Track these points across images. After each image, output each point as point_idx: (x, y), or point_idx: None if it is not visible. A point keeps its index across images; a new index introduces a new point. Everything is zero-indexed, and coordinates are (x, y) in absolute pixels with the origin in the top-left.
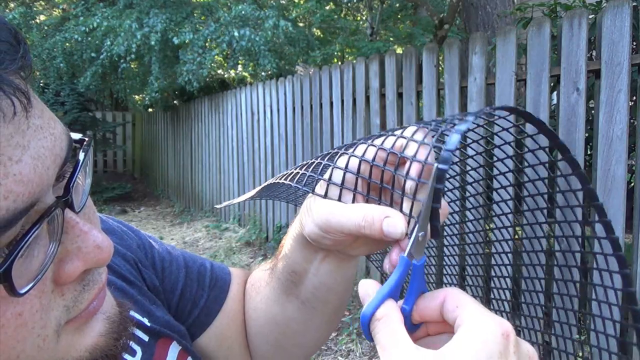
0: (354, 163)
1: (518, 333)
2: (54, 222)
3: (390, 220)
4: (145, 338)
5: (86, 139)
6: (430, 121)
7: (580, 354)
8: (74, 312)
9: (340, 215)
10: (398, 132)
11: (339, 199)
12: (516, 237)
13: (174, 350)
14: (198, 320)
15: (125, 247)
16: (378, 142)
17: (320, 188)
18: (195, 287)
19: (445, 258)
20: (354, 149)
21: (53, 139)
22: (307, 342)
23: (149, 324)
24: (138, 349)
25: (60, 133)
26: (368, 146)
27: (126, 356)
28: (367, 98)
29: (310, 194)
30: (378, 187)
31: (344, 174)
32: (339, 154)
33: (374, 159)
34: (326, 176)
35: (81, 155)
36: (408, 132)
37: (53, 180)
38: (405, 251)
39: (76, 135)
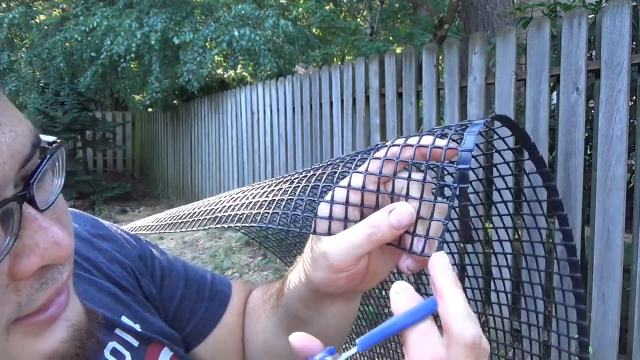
0: (352, 193)
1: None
2: (11, 216)
3: (395, 211)
4: (136, 343)
5: (58, 141)
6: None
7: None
8: (26, 310)
9: (347, 239)
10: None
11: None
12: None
13: (165, 356)
14: (196, 331)
15: (124, 256)
16: (376, 163)
17: (321, 227)
18: (194, 298)
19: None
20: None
21: (13, 135)
22: None
23: (140, 330)
24: (127, 353)
25: (23, 131)
26: (371, 161)
27: None
28: (367, 98)
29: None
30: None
31: (346, 208)
32: (320, 187)
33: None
34: (326, 212)
35: (49, 155)
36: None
37: (12, 175)
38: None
39: (50, 138)
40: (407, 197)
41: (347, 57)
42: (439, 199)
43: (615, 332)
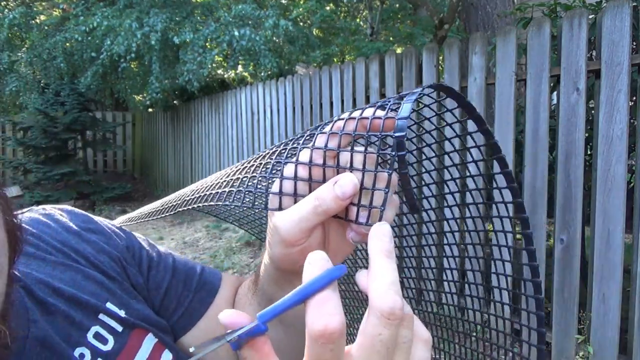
0: (300, 168)
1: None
2: None
3: (339, 182)
4: (119, 328)
5: None
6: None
7: (581, 353)
8: None
9: (295, 212)
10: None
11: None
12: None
13: (149, 341)
14: (182, 320)
15: (111, 247)
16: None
17: (272, 203)
18: (181, 288)
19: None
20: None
21: None
22: (296, 357)
23: (124, 315)
24: (110, 337)
25: None
26: (317, 136)
27: (97, 344)
28: (367, 98)
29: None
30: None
31: (295, 183)
32: (272, 163)
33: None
34: (276, 188)
35: None
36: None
37: None
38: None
39: None
40: (351, 168)
41: (347, 57)
42: (380, 168)
43: (615, 332)
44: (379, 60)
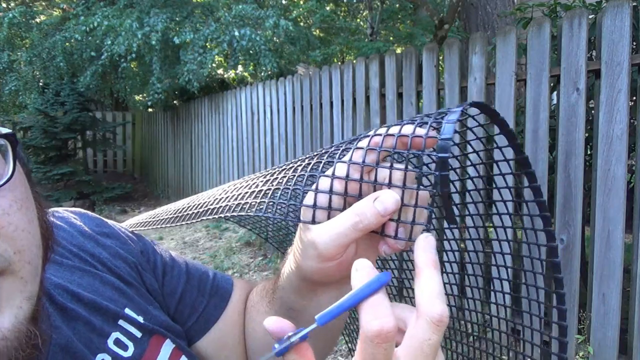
0: (336, 182)
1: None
2: None
3: (380, 198)
4: (138, 334)
5: (10, 131)
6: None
7: (581, 353)
8: None
9: (334, 227)
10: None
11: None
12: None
13: (167, 347)
14: (197, 325)
15: (127, 252)
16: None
17: (305, 215)
18: (195, 293)
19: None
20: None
21: None
22: None
23: (142, 322)
24: (130, 344)
25: None
26: (354, 150)
27: (118, 350)
28: (367, 98)
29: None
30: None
31: (330, 196)
32: (305, 176)
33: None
34: (310, 201)
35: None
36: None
37: None
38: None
39: (3, 130)
40: (390, 185)
41: (347, 57)
42: (421, 186)
43: (615, 332)
44: (379, 60)
